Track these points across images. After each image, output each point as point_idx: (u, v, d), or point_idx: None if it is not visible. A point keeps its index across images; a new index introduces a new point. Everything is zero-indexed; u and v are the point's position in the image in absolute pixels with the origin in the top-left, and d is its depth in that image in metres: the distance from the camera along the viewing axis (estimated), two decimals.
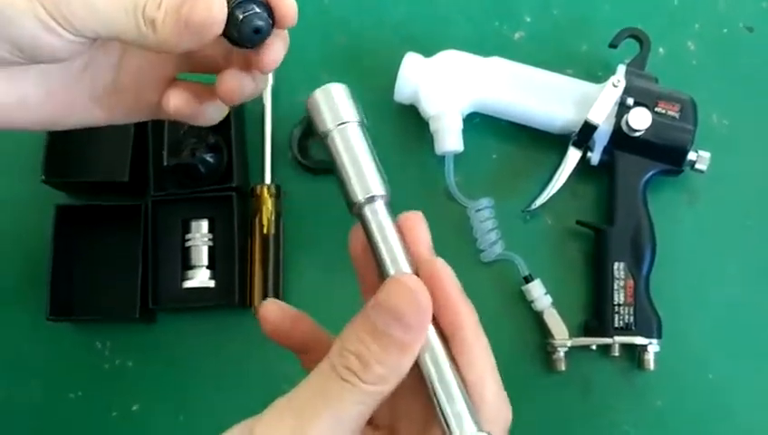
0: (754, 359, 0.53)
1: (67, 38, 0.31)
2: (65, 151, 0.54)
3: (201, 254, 0.53)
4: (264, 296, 0.52)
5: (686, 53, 0.58)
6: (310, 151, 0.56)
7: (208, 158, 0.52)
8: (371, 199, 0.30)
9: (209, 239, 0.53)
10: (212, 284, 0.53)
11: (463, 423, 0.27)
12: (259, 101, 0.56)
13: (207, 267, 0.53)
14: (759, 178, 0.55)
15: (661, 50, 0.57)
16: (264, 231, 0.53)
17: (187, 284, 0.52)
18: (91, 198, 0.55)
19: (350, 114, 0.31)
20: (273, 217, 0.53)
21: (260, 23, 0.31)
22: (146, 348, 0.54)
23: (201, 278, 0.52)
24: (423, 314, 0.27)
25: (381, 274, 0.29)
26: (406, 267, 0.29)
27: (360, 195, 0.30)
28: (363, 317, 0.27)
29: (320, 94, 0.31)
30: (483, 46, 0.56)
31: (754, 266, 0.54)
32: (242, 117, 0.56)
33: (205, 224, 0.53)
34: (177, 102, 0.36)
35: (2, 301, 0.55)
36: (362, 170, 0.30)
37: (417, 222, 0.31)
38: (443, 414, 0.27)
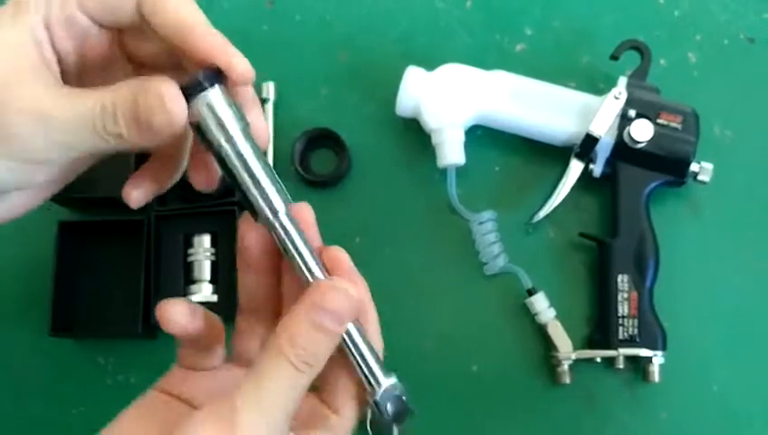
0: (759, 370, 0.53)
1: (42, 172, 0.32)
2: None
3: (204, 268, 0.53)
4: None
5: (687, 65, 0.58)
6: (311, 165, 0.56)
7: None
8: (277, 214, 0.32)
9: (212, 254, 0.53)
10: (215, 298, 0.53)
11: (378, 378, 0.34)
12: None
13: (210, 282, 0.53)
14: (762, 188, 0.55)
15: (663, 61, 0.57)
16: None
17: (190, 298, 0.52)
18: (94, 213, 0.55)
19: (234, 126, 0.31)
20: None
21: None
22: (148, 364, 0.53)
23: (204, 293, 0.52)
24: (354, 310, 0.32)
25: (297, 271, 0.33)
26: (318, 270, 0.33)
27: (269, 213, 0.32)
28: (306, 318, 0.31)
29: (203, 109, 0.31)
30: (484, 59, 0.56)
31: (758, 277, 0.54)
32: None
33: (207, 239, 0.53)
34: (137, 197, 0.37)
35: (5, 317, 0.55)
36: (264, 188, 0.32)
37: (306, 212, 0.34)
38: (364, 374, 0.34)
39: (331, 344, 0.32)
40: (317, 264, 0.33)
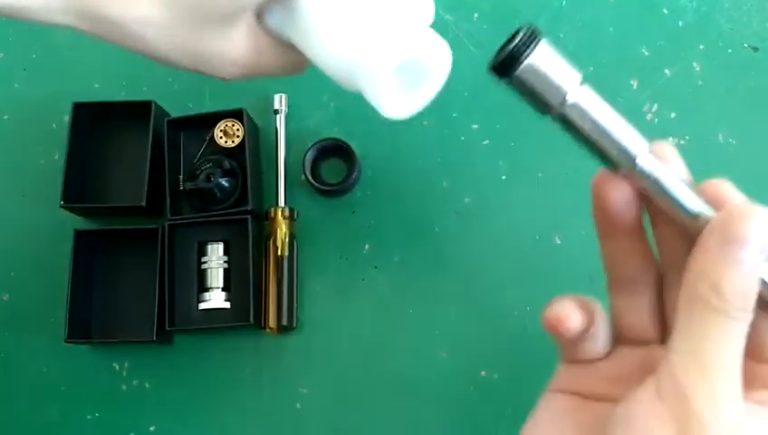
0: None
1: None
2: (83, 177, 0.56)
3: (217, 276, 0.54)
4: (279, 317, 0.53)
5: (692, 74, 0.58)
6: (322, 174, 0.57)
7: (224, 182, 0.53)
8: (642, 155, 0.29)
9: (225, 262, 0.54)
10: (227, 305, 0.53)
11: None
12: (272, 125, 0.57)
13: (223, 289, 0.54)
14: (767, 196, 0.56)
15: (667, 71, 0.58)
16: (279, 253, 0.54)
17: (203, 305, 0.53)
18: (109, 222, 0.56)
19: (572, 77, 0.29)
20: (286, 239, 0.54)
21: None
22: (163, 369, 0.54)
23: (217, 300, 0.53)
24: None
25: (677, 215, 0.29)
26: (704, 206, 0.29)
27: (635, 153, 0.29)
28: (724, 259, 0.27)
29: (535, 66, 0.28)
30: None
31: None
32: (256, 142, 0.57)
33: (220, 247, 0.54)
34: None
35: (21, 324, 0.56)
36: (624, 131, 0.29)
37: (668, 149, 0.31)
38: None
39: (755, 281, 0.28)
40: (701, 199, 0.29)
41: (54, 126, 0.59)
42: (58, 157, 0.57)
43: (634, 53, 0.58)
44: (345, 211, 0.56)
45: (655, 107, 0.57)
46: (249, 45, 0.38)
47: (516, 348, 0.54)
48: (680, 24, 0.60)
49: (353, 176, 0.56)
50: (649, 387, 0.28)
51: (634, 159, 0.29)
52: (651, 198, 0.30)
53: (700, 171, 0.54)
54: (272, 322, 0.53)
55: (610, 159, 0.29)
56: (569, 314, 0.31)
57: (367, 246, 0.55)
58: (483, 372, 0.53)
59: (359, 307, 0.54)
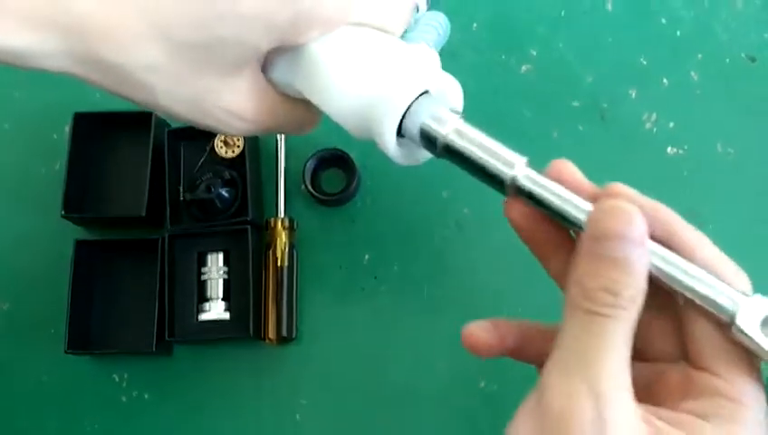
0: None
1: None
2: (84, 187, 0.56)
3: (217, 286, 0.54)
4: (278, 328, 0.53)
5: (689, 84, 0.59)
6: (322, 184, 0.57)
7: (224, 192, 0.53)
8: (514, 167, 0.32)
9: (225, 272, 0.54)
10: (227, 316, 0.53)
11: (733, 295, 0.28)
12: (272, 135, 0.57)
13: (223, 299, 0.54)
14: (764, 206, 0.56)
15: (665, 80, 0.58)
16: (279, 263, 0.54)
17: (203, 316, 0.53)
18: (110, 232, 0.56)
19: (451, 117, 0.34)
20: (286, 250, 0.54)
21: None
22: (162, 380, 0.54)
23: (217, 310, 0.53)
24: (636, 221, 0.28)
25: (567, 224, 0.31)
26: (587, 205, 0.30)
27: (507, 171, 0.32)
28: (587, 256, 0.28)
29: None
30: (490, 80, 0.57)
31: (762, 292, 0.54)
32: (256, 152, 0.57)
33: (220, 257, 0.54)
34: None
35: (21, 334, 0.56)
36: (494, 150, 0.33)
37: (564, 165, 0.32)
38: (706, 301, 0.28)
39: (631, 277, 0.27)
40: (584, 203, 0.30)
41: (55, 136, 0.59)
42: (59, 167, 0.57)
43: (632, 63, 0.59)
44: (345, 221, 0.57)
45: (654, 116, 0.57)
46: (255, 99, 0.38)
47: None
48: (678, 33, 0.60)
49: (353, 186, 0.56)
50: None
51: (510, 178, 0.31)
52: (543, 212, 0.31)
53: (699, 180, 0.55)
54: (271, 332, 0.53)
55: (496, 179, 0.32)
56: (473, 331, 0.34)
57: (367, 257, 0.55)
58: (482, 383, 0.53)
59: (358, 317, 0.54)
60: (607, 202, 0.28)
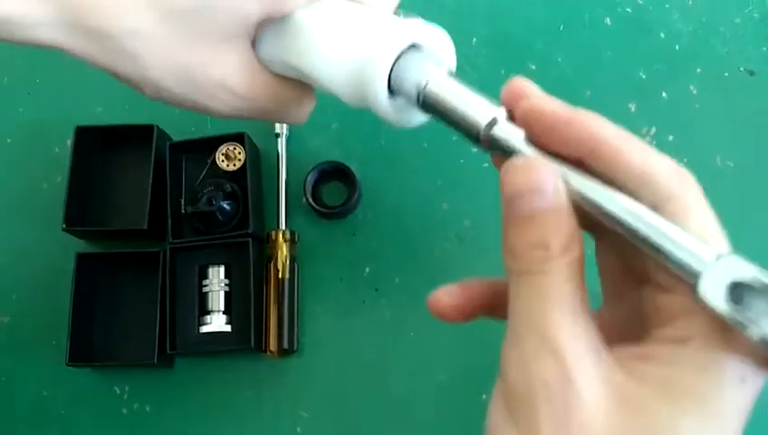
0: None
1: None
2: (85, 201, 0.56)
3: (218, 299, 0.54)
4: (279, 340, 0.53)
5: (688, 97, 0.59)
6: (323, 197, 0.57)
7: (225, 205, 0.54)
8: (493, 122, 0.32)
9: (226, 285, 0.54)
10: (228, 328, 0.54)
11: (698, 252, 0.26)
12: (274, 148, 0.58)
13: (224, 312, 0.54)
14: (763, 219, 0.56)
15: (664, 94, 0.59)
16: (280, 275, 0.54)
17: (204, 329, 0.53)
18: (111, 245, 0.57)
19: (434, 69, 0.34)
20: (287, 262, 0.54)
21: None
22: (164, 392, 0.54)
23: (218, 323, 0.53)
24: (540, 171, 0.27)
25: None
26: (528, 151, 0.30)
27: (482, 122, 0.32)
28: (508, 220, 0.27)
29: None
30: (489, 94, 0.57)
31: None
32: (257, 165, 0.57)
33: (222, 270, 0.54)
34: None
35: (22, 347, 0.56)
36: (470, 102, 0.33)
37: (519, 84, 0.31)
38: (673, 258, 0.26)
39: (554, 227, 0.26)
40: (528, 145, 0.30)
41: (57, 150, 0.59)
42: (60, 180, 0.57)
43: (632, 77, 0.59)
44: (346, 234, 0.57)
45: (653, 130, 0.57)
46: (247, 73, 0.38)
47: None
48: (677, 47, 0.60)
49: (354, 198, 0.56)
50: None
51: (486, 126, 0.31)
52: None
53: None
54: (272, 345, 0.53)
55: (467, 129, 0.32)
56: (438, 296, 0.33)
57: (367, 269, 0.56)
58: (483, 396, 0.53)
59: (359, 330, 0.55)
60: (509, 162, 0.28)
